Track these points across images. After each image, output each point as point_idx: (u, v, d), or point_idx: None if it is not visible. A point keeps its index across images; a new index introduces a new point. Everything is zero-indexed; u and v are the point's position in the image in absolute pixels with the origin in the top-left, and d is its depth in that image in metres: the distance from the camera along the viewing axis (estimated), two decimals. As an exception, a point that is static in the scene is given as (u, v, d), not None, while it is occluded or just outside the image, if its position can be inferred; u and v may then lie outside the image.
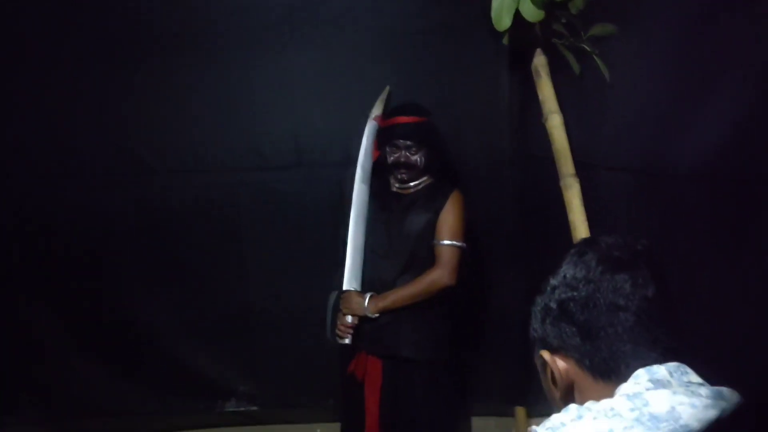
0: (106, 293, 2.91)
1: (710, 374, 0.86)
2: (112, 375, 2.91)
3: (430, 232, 2.49)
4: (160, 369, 2.93)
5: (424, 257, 2.49)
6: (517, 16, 2.13)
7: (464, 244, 2.49)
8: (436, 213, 2.49)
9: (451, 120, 2.69)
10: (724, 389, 0.80)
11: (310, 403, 3.03)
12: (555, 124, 2.27)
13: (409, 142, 2.47)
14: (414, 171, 2.51)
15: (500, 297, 2.84)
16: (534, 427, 0.84)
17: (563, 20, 2.21)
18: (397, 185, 2.58)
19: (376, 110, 2.62)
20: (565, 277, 0.90)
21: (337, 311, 2.53)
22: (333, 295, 2.57)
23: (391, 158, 2.51)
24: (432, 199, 2.51)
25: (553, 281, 0.91)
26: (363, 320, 2.49)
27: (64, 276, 2.88)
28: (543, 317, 0.93)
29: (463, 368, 2.86)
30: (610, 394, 0.83)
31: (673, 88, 1.95)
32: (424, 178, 2.55)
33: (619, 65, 2.15)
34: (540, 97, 2.32)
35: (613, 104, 2.20)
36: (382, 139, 2.56)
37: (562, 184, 2.22)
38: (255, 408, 3.01)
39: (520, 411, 2.96)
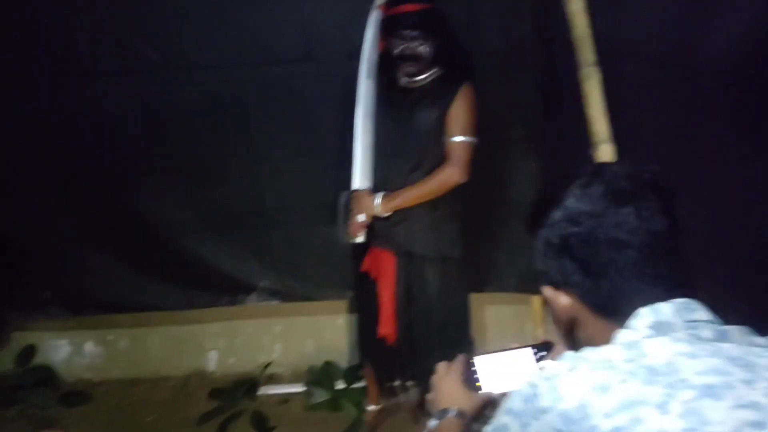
0: (120, 191, 2.91)
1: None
2: (132, 271, 2.96)
3: (439, 128, 2.40)
4: (180, 265, 2.97)
5: (435, 154, 2.42)
6: None
7: (476, 139, 2.40)
8: (446, 108, 2.38)
9: (463, 6, 2.52)
10: (733, 330, 0.76)
11: (330, 295, 3.09)
12: (576, 7, 2.10)
13: (414, 33, 2.32)
14: (421, 63, 2.38)
15: (516, 188, 2.78)
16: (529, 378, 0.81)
17: None
18: (404, 79, 2.46)
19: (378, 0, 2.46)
20: (567, 210, 0.84)
21: (348, 210, 2.51)
22: (343, 195, 2.53)
23: (397, 50, 2.38)
24: (441, 94, 2.41)
25: (555, 215, 0.86)
26: (375, 218, 2.47)
27: (77, 175, 2.88)
28: (545, 252, 0.88)
29: (477, 260, 2.86)
30: (612, 332, 0.79)
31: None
32: (433, 70, 2.43)
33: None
34: (561, -22, 2.14)
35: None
36: (386, 29, 2.40)
37: (581, 73, 2.09)
38: (276, 302, 3.07)
39: (536, 300, 2.99)
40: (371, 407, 2.94)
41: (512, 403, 0.80)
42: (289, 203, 2.90)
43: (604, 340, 0.79)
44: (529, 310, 3.04)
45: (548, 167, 2.64)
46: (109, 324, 3.19)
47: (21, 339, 3.23)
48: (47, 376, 3.19)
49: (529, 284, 2.94)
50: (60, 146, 2.84)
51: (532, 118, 2.67)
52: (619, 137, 1.99)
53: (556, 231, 0.85)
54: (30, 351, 3.20)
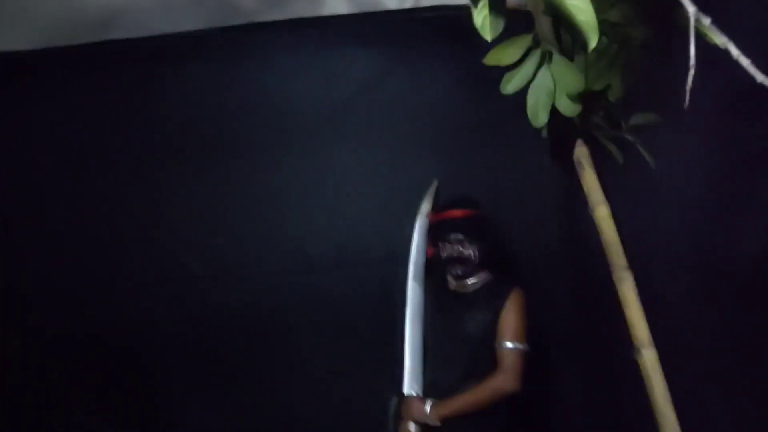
0: (154, 401, 2.90)
1: None
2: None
3: (491, 333, 2.38)
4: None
5: (487, 360, 2.37)
6: (554, 110, 2.10)
7: (527, 347, 2.36)
8: (496, 314, 2.38)
9: (499, 213, 2.65)
10: None
11: None
12: (602, 215, 2.20)
13: (460, 236, 2.42)
14: (468, 265, 2.44)
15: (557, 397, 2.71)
16: None
17: (600, 113, 2.16)
18: (454, 283, 2.51)
19: (426, 206, 2.60)
20: None
21: (398, 418, 2.44)
22: (393, 400, 2.47)
23: (445, 253, 2.46)
24: (491, 299, 2.42)
25: None
26: (424, 428, 2.39)
27: (111, 383, 2.90)
28: None
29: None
30: None
31: (723, 175, 1.86)
32: (482, 275, 2.48)
33: (665, 153, 2.08)
34: (584, 188, 2.26)
35: (662, 193, 2.12)
36: (434, 235, 2.52)
37: (614, 277, 2.13)
38: None
39: None
40: None
41: None
42: (325, 411, 2.84)
43: None
44: None
45: (589, 372, 2.60)
46: None
47: None
48: None
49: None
50: (93, 354, 2.89)
51: (565, 321, 2.68)
52: (659, 341, 1.97)
53: None
54: None
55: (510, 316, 2.37)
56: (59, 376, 2.88)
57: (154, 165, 2.87)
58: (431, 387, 2.42)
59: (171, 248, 2.89)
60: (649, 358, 1.95)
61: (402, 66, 2.84)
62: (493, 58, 2.02)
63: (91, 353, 2.89)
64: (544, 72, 2.01)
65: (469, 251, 2.42)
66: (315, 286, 2.83)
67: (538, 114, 2.04)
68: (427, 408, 2.35)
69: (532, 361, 2.40)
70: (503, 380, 2.32)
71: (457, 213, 2.46)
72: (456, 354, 2.42)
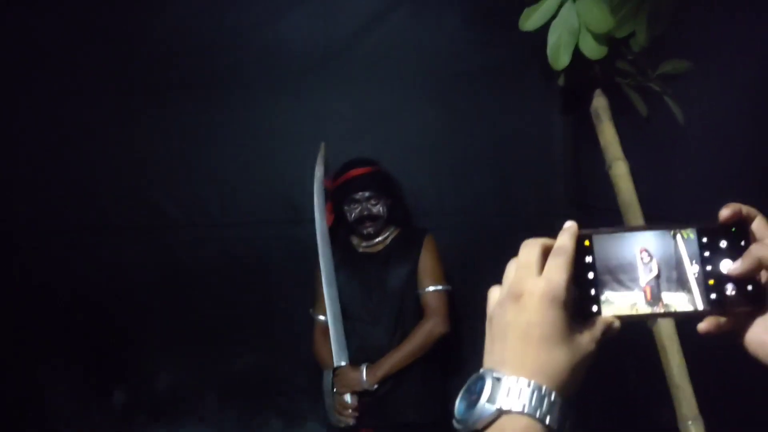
0: (129, 349, 2.78)
1: None
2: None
3: (412, 283, 2.34)
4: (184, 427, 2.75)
5: (413, 311, 2.34)
6: (575, 53, 1.90)
7: (450, 287, 2.34)
8: (415, 262, 2.35)
9: (501, 166, 2.48)
10: None
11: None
12: (620, 172, 2.00)
13: (368, 193, 2.35)
14: (379, 222, 2.37)
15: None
16: None
17: (629, 57, 1.96)
18: (363, 244, 2.42)
19: (319, 170, 2.49)
20: None
21: (334, 390, 2.30)
22: (326, 374, 2.33)
23: (353, 214, 2.37)
24: (406, 249, 2.38)
25: None
26: (362, 394, 2.28)
27: (87, 331, 2.75)
28: None
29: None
30: None
31: (758, 131, 1.68)
32: (391, 230, 2.42)
33: (695, 106, 1.89)
34: (601, 142, 2.06)
35: (687, 150, 1.94)
36: (337, 199, 2.40)
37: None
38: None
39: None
40: None
41: None
42: (302, 365, 2.68)
43: None
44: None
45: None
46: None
47: None
48: None
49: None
50: (70, 301, 2.74)
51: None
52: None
53: None
54: None
55: (428, 261, 2.35)
56: (31, 323, 2.73)
57: (132, 102, 2.68)
58: (361, 351, 2.34)
59: (149, 192, 2.72)
60: (666, 328, 1.79)
61: (407, 1, 2.61)
62: (513, -10, 1.81)
63: (65, 301, 2.74)
64: (569, 7, 1.81)
65: (378, 207, 2.36)
66: (300, 238, 2.63)
67: (559, 54, 1.84)
68: (363, 374, 2.26)
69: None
70: (433, 324, 2.30)
71: (360, 171, 2.38)
72: (380, 312, 2.36)
